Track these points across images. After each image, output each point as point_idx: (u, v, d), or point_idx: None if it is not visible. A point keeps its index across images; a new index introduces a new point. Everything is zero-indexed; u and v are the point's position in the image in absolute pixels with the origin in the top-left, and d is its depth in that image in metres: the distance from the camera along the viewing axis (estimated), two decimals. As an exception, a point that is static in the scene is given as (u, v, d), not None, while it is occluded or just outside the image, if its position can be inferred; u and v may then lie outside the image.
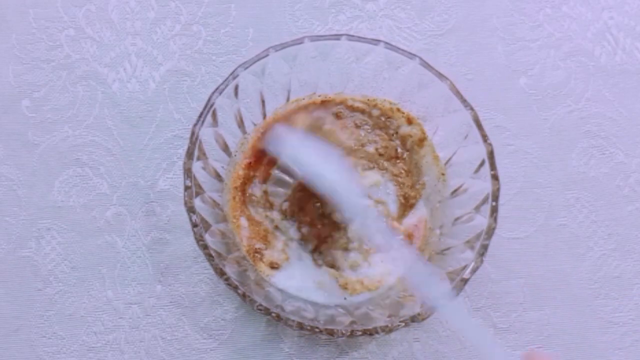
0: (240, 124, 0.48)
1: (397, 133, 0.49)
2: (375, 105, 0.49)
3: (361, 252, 0.46)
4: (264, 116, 0.49)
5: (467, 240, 0.43)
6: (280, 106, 0.50)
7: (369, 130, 0.50)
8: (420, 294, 0.40)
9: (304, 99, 0.50)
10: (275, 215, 0.48)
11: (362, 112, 0.50)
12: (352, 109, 0.50)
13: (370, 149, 0.49)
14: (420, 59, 0.46)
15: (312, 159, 0.44)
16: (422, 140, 0.48)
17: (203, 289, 0.48)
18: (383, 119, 0.50)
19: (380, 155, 0.49)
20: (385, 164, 0.49)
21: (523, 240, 0.50)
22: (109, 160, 0.51)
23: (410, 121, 0.49)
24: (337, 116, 0.50)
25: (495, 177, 0.43)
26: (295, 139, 0.46)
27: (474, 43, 0.55)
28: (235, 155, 0.48)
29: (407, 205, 0.48)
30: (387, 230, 0.45)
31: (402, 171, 0.49)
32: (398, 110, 0.49)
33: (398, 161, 0.49)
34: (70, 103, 0.53)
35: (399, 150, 0.49)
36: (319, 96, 0.50)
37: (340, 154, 0.48)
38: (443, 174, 0.47)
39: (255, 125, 0.49)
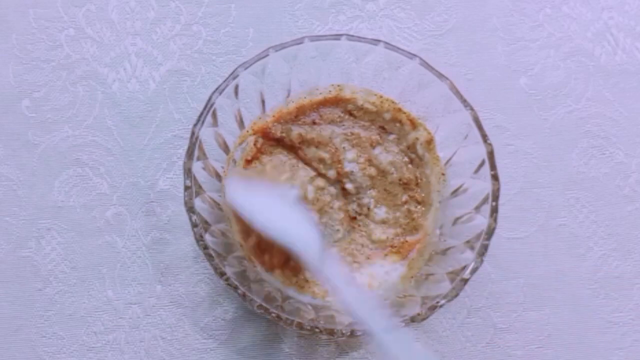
0: (240, 124, 0.48)
1: (409, 147, 0.49)
2: (386, 109, 0.49)
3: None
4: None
5: (467, 240, 0.43)
6: (297, 97, 0.49)
7: (386, 147, 0.49)
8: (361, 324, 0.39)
9: (318, 90, 0.49)
10: None
11: (374, 114, 0.49)
12: (363, 110, 0.49)
13: (394, 176, 0.48)
14: (420, 59, 0.46)
15: (263, 212, 0.42)
16: (429, 142, 0.48)
17: (203, 289, 0.48)
18: (397, 125, 0.49)
19: (405, 184, 0.48)
20: (405, 196, 0.48)
21: (523, 240, 0.50)
22: (109, 160, 0.51)
23: (413, 124, 0.48)
24: (351, 114, 0.49)
25: (495, 177, 0.43)
26: (243, 193, 0.44)
27: (474, 43, 0.55)
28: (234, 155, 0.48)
29: (414, 226, 0.48)
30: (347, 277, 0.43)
31: (416, 195, 0.48)
32: (400, 110, 0.49)
33: (417, 187, 0.49)
34: (70, 103, 0.53)
35: (418, 175, 0.48)
36: (330, 91, 0.49)
37: (293, 194, 0.45)
38: (443, 174, 0.47)
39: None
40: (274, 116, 0.49)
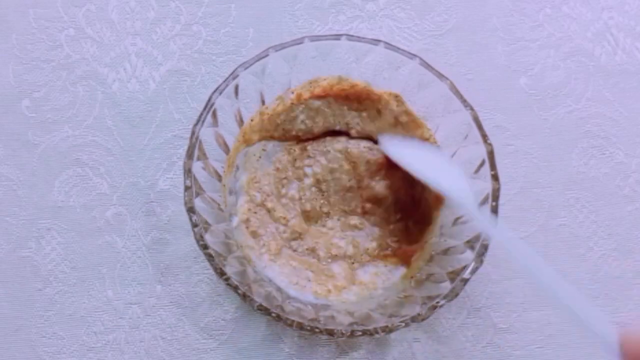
0: (240, 124, 0.48)
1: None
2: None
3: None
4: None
5: (467, 240, 0.43)
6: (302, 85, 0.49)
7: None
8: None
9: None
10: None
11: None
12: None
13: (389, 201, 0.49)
14: (420, 59, 0.46)
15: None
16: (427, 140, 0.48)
17: (203, 289, 0.48)
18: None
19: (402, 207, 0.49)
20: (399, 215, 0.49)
21: (523, 241, 0.50)
22: (109, 160, 0.51)
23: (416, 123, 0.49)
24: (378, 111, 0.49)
25: (495, 177, 0.43)
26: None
27: (474, 43, 0.55)
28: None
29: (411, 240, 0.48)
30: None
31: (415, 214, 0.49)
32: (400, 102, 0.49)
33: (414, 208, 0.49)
34: (70, 103, 0.53)
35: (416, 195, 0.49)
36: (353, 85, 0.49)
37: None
38: None
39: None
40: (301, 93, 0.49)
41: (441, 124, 0.47)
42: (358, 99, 0.49)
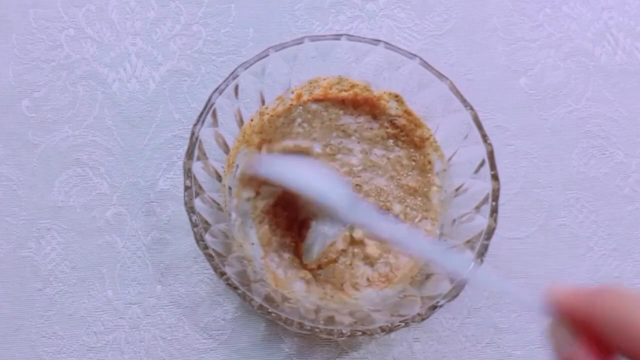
0: (240, 124, 0.48)
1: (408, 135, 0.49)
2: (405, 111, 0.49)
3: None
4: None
5: (467, 240, 0.43)
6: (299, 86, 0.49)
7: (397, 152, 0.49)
8: (444, 270, 0.41)
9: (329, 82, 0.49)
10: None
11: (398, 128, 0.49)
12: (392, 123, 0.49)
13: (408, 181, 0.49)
14: (420, 59, 0.46)
15: (296, 175, 0.42)
16: (424, 141, 0.48)
17: (203, 289, 0.48)
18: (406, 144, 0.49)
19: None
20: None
21: (523, 240, 0.50)
22: (109, 160, 0.51)
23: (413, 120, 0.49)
24: (375, 116, 0.49)
25: (495, 177, 0.43)
26: (277, 161, 0.45)
27: (474, 43, 0.55)
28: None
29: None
30: (385, 217, 0.44)
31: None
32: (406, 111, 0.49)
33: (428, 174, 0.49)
34: (70, 103, 0.53)
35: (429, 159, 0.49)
36: (351, 86, 0.49)
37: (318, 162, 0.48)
38: (445, 170, 0.47)
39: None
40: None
41: (441, 124, 0.47)
42: (354, 105, 0.49)
